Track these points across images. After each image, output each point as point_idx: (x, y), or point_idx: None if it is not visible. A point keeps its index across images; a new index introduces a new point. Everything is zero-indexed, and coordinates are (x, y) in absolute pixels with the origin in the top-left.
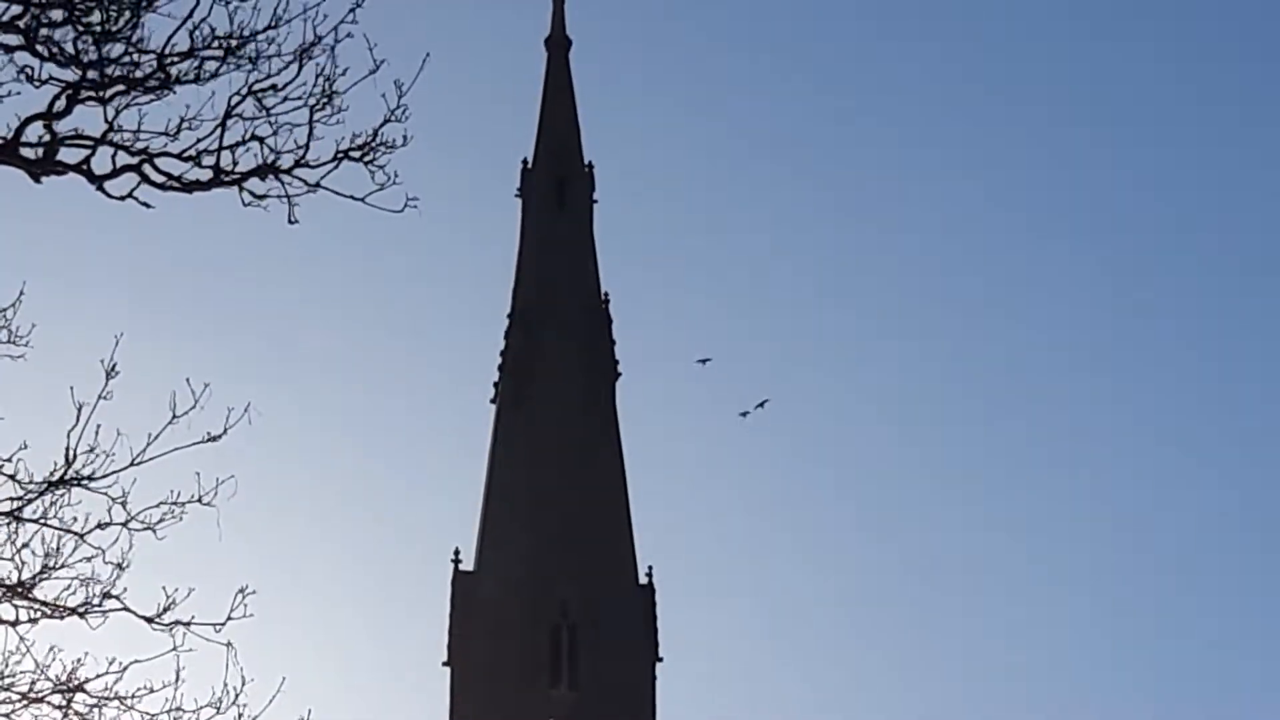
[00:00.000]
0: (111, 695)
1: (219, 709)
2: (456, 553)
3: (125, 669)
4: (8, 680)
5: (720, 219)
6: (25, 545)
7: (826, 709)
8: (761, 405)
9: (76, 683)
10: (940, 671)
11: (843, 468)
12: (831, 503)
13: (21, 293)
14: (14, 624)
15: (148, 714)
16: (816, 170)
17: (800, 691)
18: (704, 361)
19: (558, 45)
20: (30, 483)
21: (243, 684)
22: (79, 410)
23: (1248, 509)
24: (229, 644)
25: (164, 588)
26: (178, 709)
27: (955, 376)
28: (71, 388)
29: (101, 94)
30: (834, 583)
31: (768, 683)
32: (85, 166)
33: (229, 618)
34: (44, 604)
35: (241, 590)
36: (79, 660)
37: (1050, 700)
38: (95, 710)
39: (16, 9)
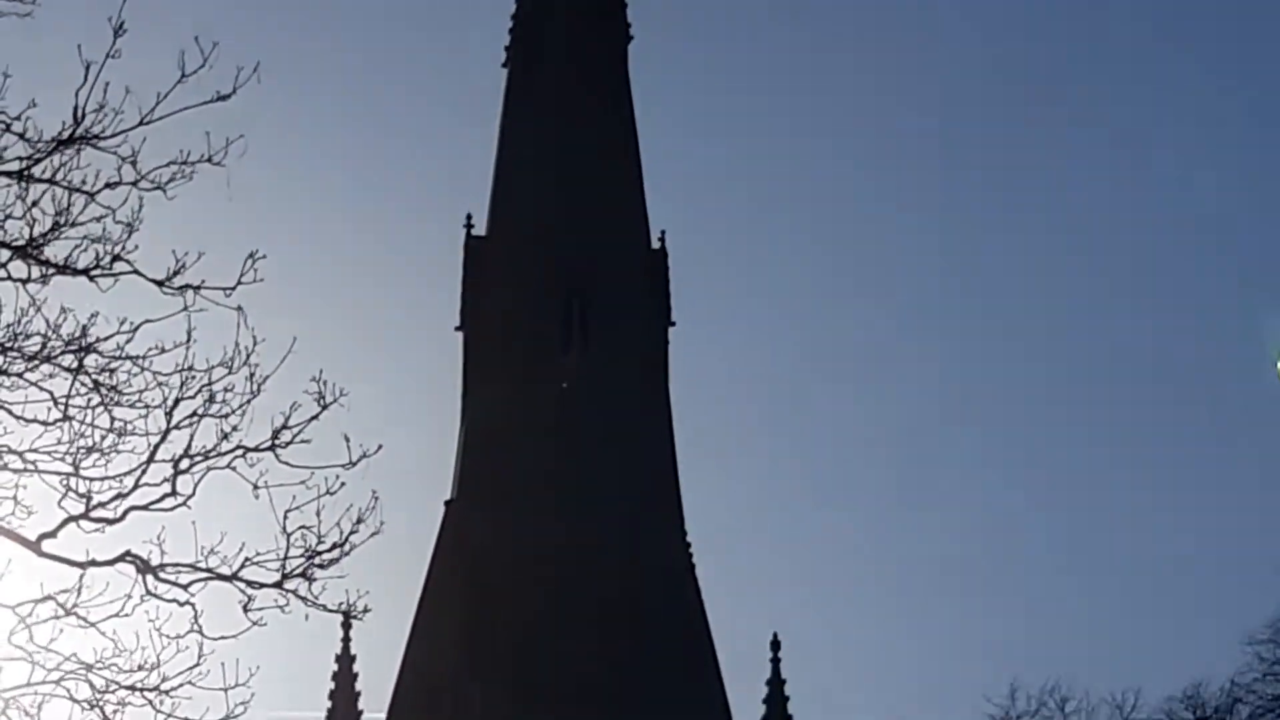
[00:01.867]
0: (123, 355)
1: (230, 369)
2: (469, 218)
3: (136, 329)
4: (19, 340)
5: None
6: (35, 204)
7: (831, 370)
8: None
9: (88, 342)
10: (945, 338)
11: (854, 140)
12: (842, 171)
13: None
14: (25, 282)
15: (159, 373)
16: None
17: (808, 355)
18: None
19: None
20: (39, 141)
21: (254, 345)
22: (87, 69)
23: None
24: (239, 308)
25: (174, 251)
26: (189, 369)
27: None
28: (79, 46)
29: None
30: (844, 248)
31: (777, 347)
32: None
33: (239, 282)
34: (54, 264)
35: (251, 255)
36: (90, 319)
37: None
38: (106, 370)
39: None
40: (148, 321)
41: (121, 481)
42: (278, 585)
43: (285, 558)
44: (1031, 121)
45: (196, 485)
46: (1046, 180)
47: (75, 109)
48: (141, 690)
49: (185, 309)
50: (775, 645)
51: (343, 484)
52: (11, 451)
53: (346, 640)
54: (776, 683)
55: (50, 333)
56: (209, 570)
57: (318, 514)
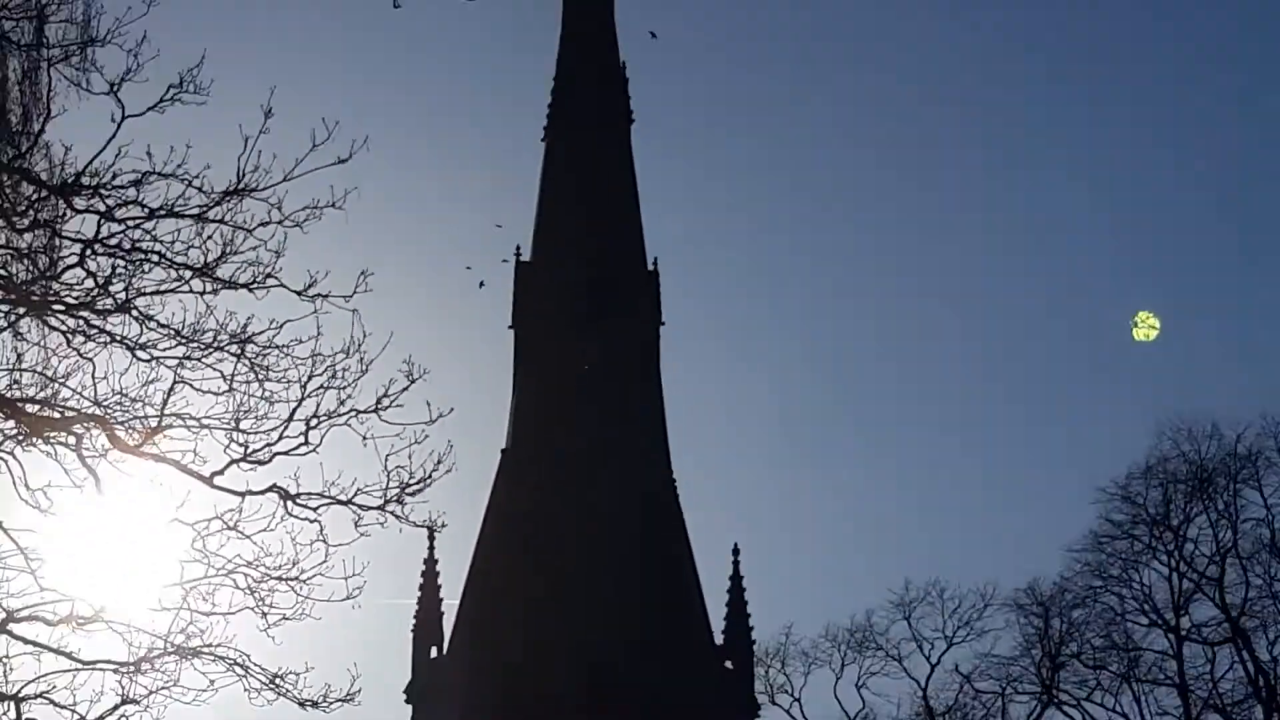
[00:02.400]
0: (272, 345)
1: (347, 354)
2: (518, 248)
3: (281, 326)
4: (198, 335)
5: None
6: (209, 238)
7: (804, 360)
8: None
9: (246, 336)
10: (923, 334)
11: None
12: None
13: (203, 57)
14: (202, 294)
15: (297, 358)
16: None
17: (776, 345)
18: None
19: None
20: (213, 193)
21: (364, 337)
22: (246, 140)
23: None
24: (355, 310)
25: (309, 270)
26: (318, 355)
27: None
28: (240, 125)
29: None
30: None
31: (748, 341)
32: None
33: (355, 292)
34: (223, 280)
35: (363, 273)
36: (249, 319)
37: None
38: (260, 356)
39: None
40: (289, 321)
41: (269, 435)
42: (380, 508)
43: (386, 488)
44: (1013, 123)
45: (323, 437)
46: (1031, 182)
47: (238, 170)
48: (286, 579)
49: (315, 312)
50: (735, 552)
51: (426, 436)
52: (193, 419)
53: (431, 548)
54: (736, 582)
55: (220, 330)
56: (331, 497)
57: (409, 457)
